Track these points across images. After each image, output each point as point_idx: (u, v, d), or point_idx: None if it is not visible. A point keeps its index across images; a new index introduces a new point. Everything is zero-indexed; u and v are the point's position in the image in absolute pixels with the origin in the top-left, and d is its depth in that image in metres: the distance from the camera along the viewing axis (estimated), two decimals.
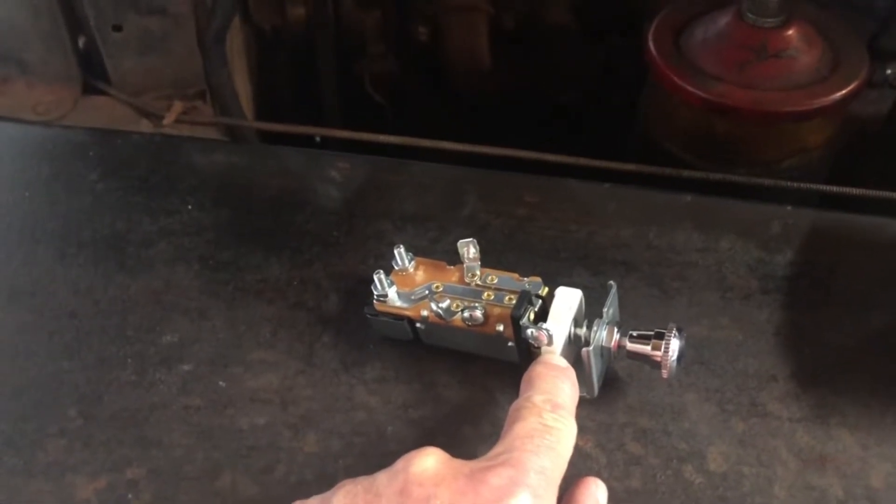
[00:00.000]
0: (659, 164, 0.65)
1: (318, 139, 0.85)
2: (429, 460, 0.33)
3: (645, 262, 0.50)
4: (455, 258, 0.46)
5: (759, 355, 0.46)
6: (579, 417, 0.43)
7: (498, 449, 0.34)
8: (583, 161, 0.61)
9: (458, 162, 0.59)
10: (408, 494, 0.32)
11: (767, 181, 0.62)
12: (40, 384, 0.47)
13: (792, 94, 0.69)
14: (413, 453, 0.33)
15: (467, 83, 0.98)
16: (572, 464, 0.41)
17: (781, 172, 0.71)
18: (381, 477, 0.33)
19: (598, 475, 0.40)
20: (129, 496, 0.42)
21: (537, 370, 0.39)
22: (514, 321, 0.42)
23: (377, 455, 0.42)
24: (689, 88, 0.70)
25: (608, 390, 0.44)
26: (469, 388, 0.45)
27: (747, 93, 0.69)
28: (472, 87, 0.98)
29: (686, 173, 0.62)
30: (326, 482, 0.35)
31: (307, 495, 0.36)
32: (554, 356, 0.41)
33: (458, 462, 0.34)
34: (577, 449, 0.42)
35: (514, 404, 0.37)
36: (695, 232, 0.51)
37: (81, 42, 0.72)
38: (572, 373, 0.40)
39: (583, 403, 0.43)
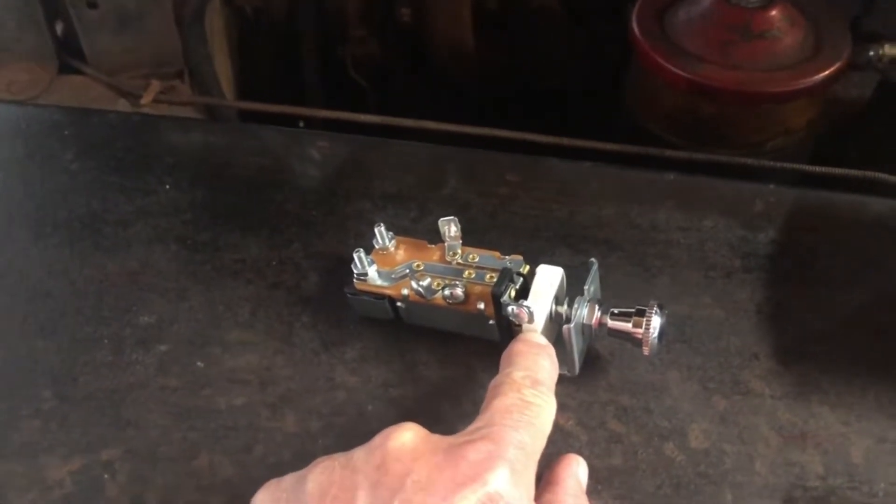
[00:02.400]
0: (643, 146, 0.65)
1: (301, 124, 0.84)
2: (406, 435, 0.32)
3: (627, 240, 0.50)
4: (436, 237, 0.46)
5: (741, 333, 0.45)
6: (560, 395, 0.42)
7: (477, 424, 0.34)
8: (566, 141, 0.60)
9: (441, 142, 0.58)
10: (385, 470, 0.31)
11: (751, 161, 0.62)
12: (14, 364, 0.46)
13: (775, 74, 0.69)
14: (391, 429, 0.33)
15: (451, 66, 0.97)
16: (553, 442, 0.41)
17: (765, 154, 0.71)
18: (359, 452, 0.33)
19: (580, 453, 0.40)
20: (105, 477, 0.41)
21: (517, 347, 0.39)
22: (495, 298, 0.42)
23: (357, 435, 0.41)
24: (673, 69, 0.70)
25: (589, 368, 0.44)
26: (450, 366, 0.45)
27: (730, 73, 0.69)
28: (456, 70, 0.98)
29: (669, 153, 0.62)
30: (305, 462, 0.35)
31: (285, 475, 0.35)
32: (534, 334, 0.41)
33: (436, 437, 0.33)
34: (557, 427, 0.41)
35: (494, 380, 0.37)
36: (677, 211, 0.51)
37: (57, 20, 0.71)
38: (552, 350, 0.40)
39: (564, 381, 0.43)
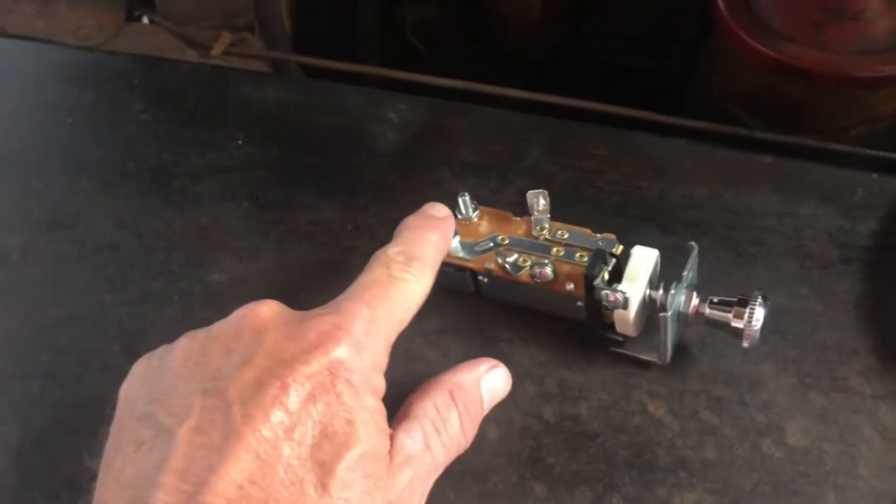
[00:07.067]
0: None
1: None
2: (263, 308, 0.33)
3: (720, 224, 0.47)
4: (517, 210, 0.44)
5: (839, 328, 0.43)
6: (650, 382, 0.41)
7: (338, 298, 0.35)
8: (650, 116, 0.58)
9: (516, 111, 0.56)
10: (239, 338, 0.32)
11: (842, 147, 0.59)
12: (81, 317, 0.45)
13: (867, 59, 0.66)
14: (252, 303, 0.34)
15: (514, 35, 0.95)
16: (643, 430, 0.39)
17: (848, 141, 0.68)
18: (220, 323, 0.34)
19: (672, 443, 0.38)
20: None
21: (410, 221, 0.39)
22: (588, 281, 0.40)
23: None
24: (758, 47, 0.67)
25: (678, 356, 0.42)
26: (532, 345, 0.43)
27: (820, 55, 0.65)
28: (520, 39, 0.95)
29: (758, 134, 0.59)
30: None
31: None
32: (438, 206, 0.41)
33: (296, 312, 0.34)
34: (649, 415, 0.40)
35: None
36: (773, 195, 0.48)
37: None
38: (450, 223, 0.40)
39: (653, 369, 0.41)
